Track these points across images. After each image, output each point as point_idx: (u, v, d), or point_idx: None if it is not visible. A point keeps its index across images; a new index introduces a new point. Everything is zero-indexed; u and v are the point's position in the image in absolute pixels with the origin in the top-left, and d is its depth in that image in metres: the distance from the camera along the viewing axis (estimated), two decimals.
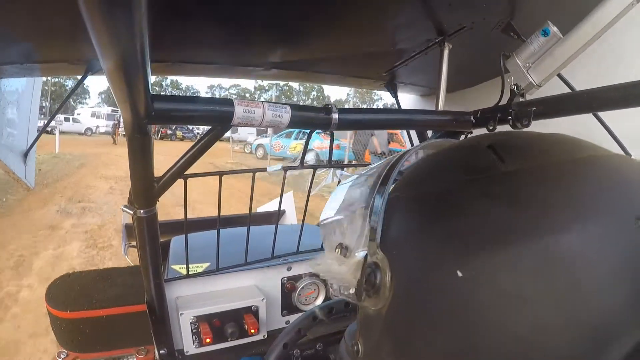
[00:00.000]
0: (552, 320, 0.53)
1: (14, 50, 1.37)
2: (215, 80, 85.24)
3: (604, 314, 0.52)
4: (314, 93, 79.36)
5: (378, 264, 0.73)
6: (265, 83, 75.17)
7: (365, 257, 0.76)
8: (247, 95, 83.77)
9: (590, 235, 0.54)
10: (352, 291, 0.80)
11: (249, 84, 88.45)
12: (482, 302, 0.58)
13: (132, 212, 1.26)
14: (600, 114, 1.29)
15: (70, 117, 48.72)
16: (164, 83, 79.05)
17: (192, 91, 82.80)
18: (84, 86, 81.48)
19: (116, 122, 37.74)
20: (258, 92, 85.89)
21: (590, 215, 0.56)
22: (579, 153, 0.64)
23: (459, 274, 0.59)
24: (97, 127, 50.40)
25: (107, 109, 55.55)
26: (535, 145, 0.68)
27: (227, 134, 48.13)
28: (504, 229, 0.59)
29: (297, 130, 24.13)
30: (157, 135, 47.21)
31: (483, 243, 0.59)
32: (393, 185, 0.80)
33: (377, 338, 0.77)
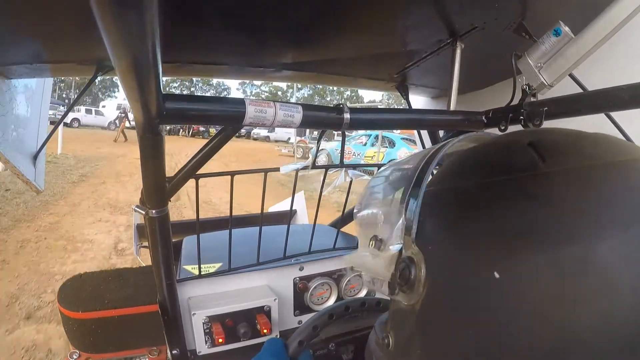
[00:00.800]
0: (587, 324, 0.52)
1: (23, 51, 1.38)
2: None
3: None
4: (348, 93, 79.19)
5: (413, 258, 0.73)
6: None
7: (400, 251, 0.77)
8: (279, 93, 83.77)
9: (630, 241, 0.53)
10: (385, 285, 0.80)
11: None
12: (515, 304, 0.58)
13: (143, 213, 1.26)
14: (613, 114, 1.29)
15: (93, 110, 45.70)
16: (194, 79, 79.20)
17: (222, 87, 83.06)
18: (113, 79, 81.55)
19: (122, 113, 34.05)
20: (290, 90, 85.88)
21: (630, 221, 0.55)
22: (621, 155, 0.63)
23: (496, 275, 0.59)
24: None
25: None
26: (577, 145, 0.67)
27: (266, 133, 48.37)
28: (541, 231, 0.58)
29: (373, 134, 22.28)
30: (189, 133, 46.70)
31: (519, 244, 0.59)
32: (430, 178, 0.80)
33: (409, 332, 0.78)
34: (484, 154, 0.79)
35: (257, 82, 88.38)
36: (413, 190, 0.79)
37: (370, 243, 0.83)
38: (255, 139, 50.73)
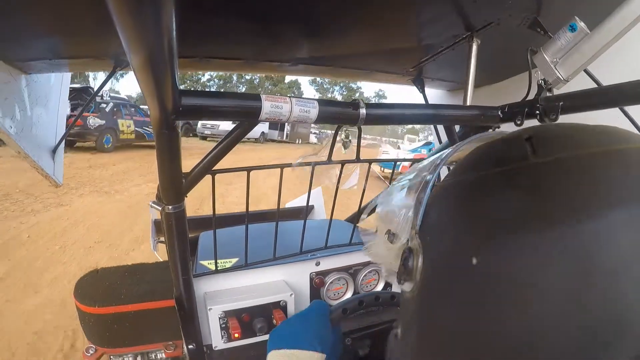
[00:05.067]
0: (562, 308, 0.53)
1: (42, 46, 1.40)
2: None
3: (615, 305, 0.51)
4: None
5: (412, 249, 0.76)
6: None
7: (408, 242, 0.79)
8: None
9: (607, 226, 0.53)
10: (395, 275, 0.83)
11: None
12: (494, 289, 0.59)
13: (160, 208, 1.27)
14: (627, 108, 1.29)
15: None
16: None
17: None
18: None
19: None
20: (229, 85, 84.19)
21: (608, 205, 0.54)
22: (618, 144, 0.62)
23: (474, 261, 0.60)
24: None
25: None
26: (575, 137, 0.67)
27: (225, 127, 30.32)
28: (520, 218, 0.59)
29: None
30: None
31: (497, 232, 0.60)
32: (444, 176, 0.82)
33: (408, 320, 0.80)
34: (487, 150, 0.79)
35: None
36: (423, 186, 0.81)
37: (385, 236, 0.85)
38: (203, 137, 31.42)
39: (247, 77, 77.77)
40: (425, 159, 0.99)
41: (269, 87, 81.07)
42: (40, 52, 1.44)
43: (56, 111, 1.99)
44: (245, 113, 0.99)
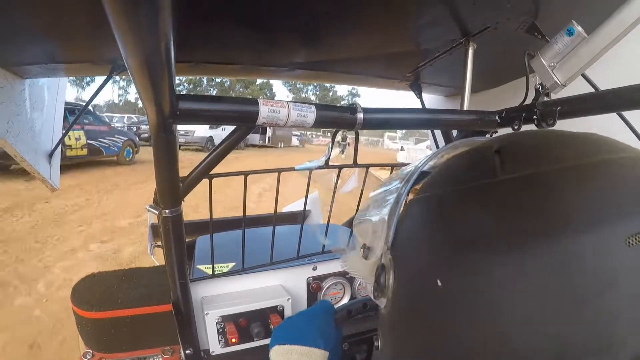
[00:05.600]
0: (526, 327, 0.53)
1: (38, 51, 1.40)
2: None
3: (578, 326, 0.51)
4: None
5: (384, 265, 0.76)
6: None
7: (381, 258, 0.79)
8: None
9: (572, 248, 0.53)
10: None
11: None
12: (460, 310, 0.59)
13: (157, 212, 1.27)
14: (625, 113, 1.28)
15: None
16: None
17: None
18: None
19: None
20: None
21: (574, 227, 0.54)
22: (594, 156, 0.61)
23: (439, 282, 0.61)
24: None
25: None
26: (546, 150, 0.66)
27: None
28: (485, 238, 0.59)
29: None
30: None
31: (461, 251, 0.61)
32: (417, 189, 0.82)
33: (385, 335, 0.82)
34: (457, 163, 0.80)
35: None
36: (395, 200, 0.82)
37: (361, 250, 0.86)
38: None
39: (217, 81, 78.19)
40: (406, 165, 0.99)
41: (240, 89, 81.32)
42: (37, 57, 1.44)
43: (53, 116, 1.99)
44: (243, 117, 0.99)
